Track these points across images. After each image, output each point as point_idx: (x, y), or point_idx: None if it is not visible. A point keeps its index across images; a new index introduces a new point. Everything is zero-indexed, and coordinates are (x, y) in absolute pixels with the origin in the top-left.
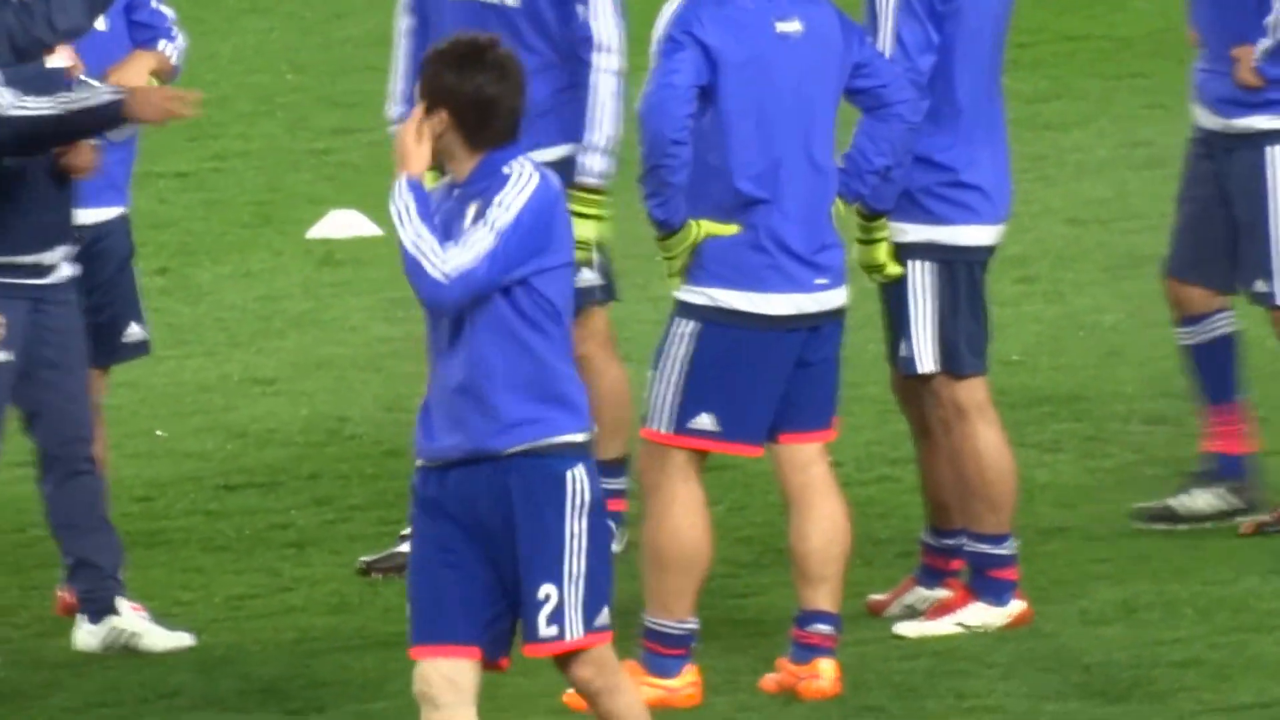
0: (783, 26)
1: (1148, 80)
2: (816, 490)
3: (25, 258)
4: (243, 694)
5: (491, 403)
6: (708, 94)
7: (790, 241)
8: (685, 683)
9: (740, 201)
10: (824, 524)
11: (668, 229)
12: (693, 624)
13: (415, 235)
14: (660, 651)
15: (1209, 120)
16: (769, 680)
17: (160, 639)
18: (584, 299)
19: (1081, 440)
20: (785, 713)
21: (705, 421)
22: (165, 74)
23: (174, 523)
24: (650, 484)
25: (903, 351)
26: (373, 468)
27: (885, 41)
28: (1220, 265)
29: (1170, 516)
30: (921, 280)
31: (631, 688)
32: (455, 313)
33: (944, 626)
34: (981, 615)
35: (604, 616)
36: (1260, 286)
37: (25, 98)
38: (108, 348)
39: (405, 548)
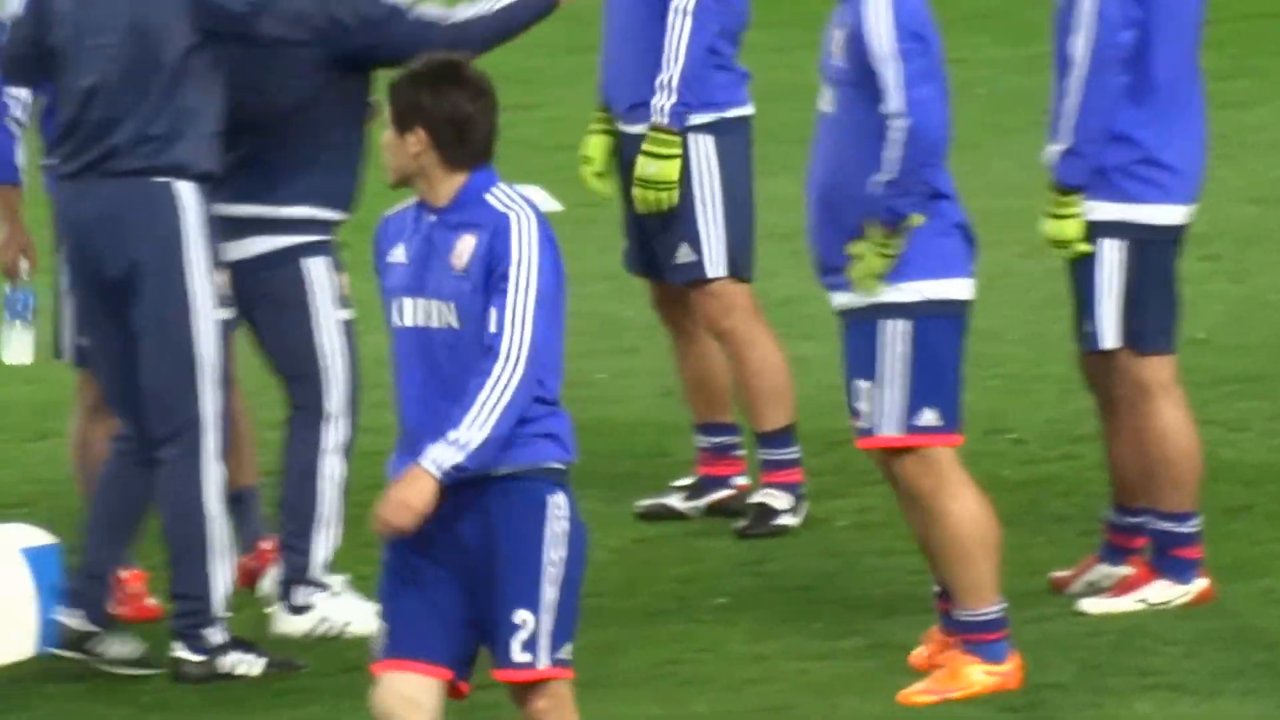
0: None
1: None
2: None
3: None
4: None
5: None
6: None
7: (965, 225)
8: (1013, 665)
9: (929, 193)
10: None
11: (903, 226)
12: (1001, 604)
13: (489, 414)
14: (990, 639)
15: None
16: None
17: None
18: (685, 275)
19: (1266, 419)
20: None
21: (929, 418)
22: None
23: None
24: (927, 488)
25: (1086, 327)
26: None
27: (1085, 18)
28: None
29: None
30: (1109, 258)
31: None
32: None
33: (1127, 604)
34: (1164, 593)
35: (568, 651)
36: None
37: (451, 11)
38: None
39: (673, 499)
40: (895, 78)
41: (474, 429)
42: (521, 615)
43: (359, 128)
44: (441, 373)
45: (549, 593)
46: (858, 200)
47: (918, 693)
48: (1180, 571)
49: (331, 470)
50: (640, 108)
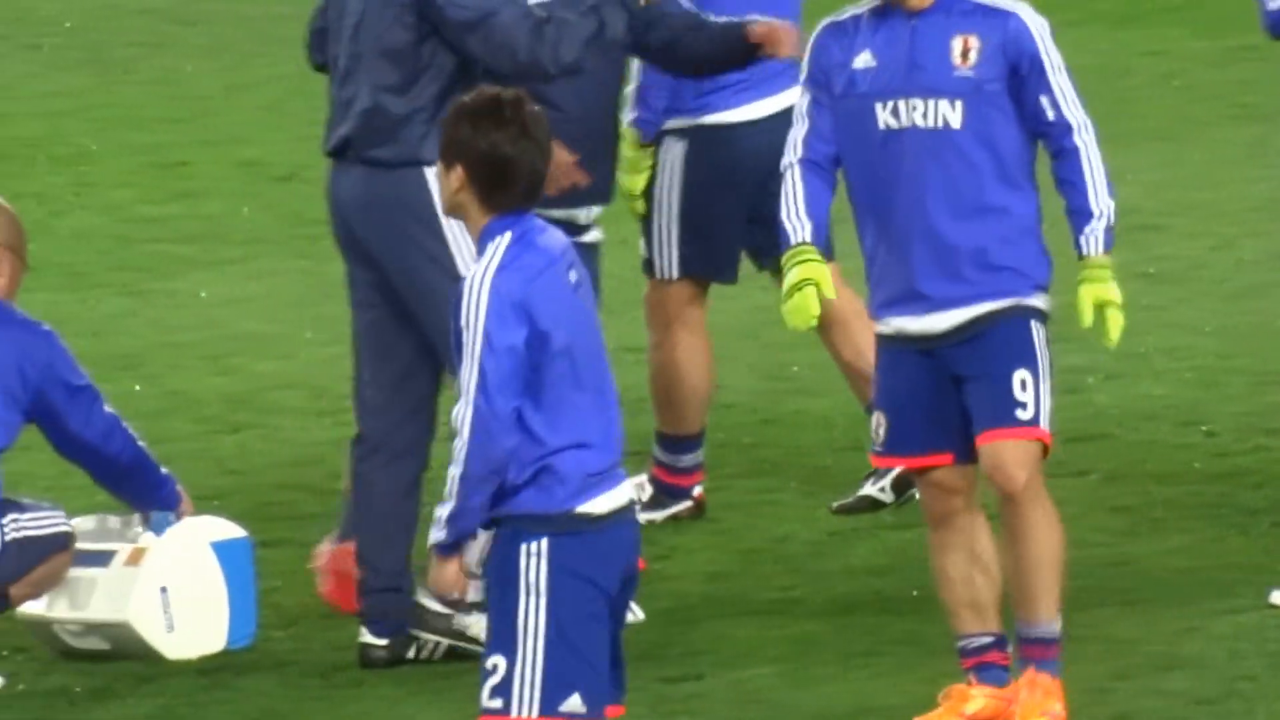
0: None
1: None
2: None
3: (555, 211)
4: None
5: None
6: None
7: None
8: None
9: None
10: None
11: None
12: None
13: (450, 485)
14: (1055, 657)
15: None
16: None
17: None
18: (645, 269)
19: None
20: (1163, 679)
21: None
22: None
23: None
24: (1036, 492)
25: None
26: (749, 436)
27: None
28: None
29: None
30: None
31: None
32: (506, 426)
33: None
34: None
35: (574, 704)
36: None
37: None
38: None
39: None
40: (1071, 90)
41: (443, 505)
42: (493, 660)
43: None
44: None
45: (528, 642)
46: (997, 217)
47: None
48: None
49: None
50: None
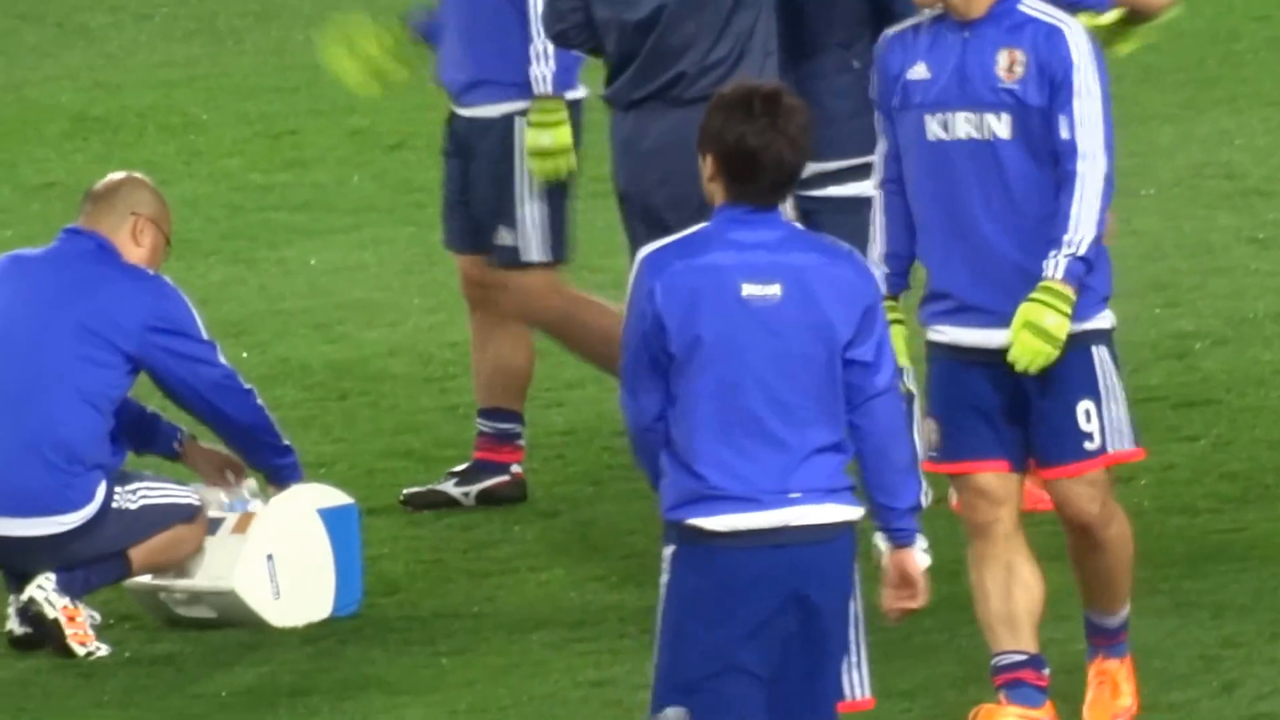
0: None
1: None
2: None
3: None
4: None
5: None
6: None
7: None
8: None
9: None
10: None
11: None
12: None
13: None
14: (1123, 640)
15: None
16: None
17: None
18: (505, 258)
19: None
20: (1274, 648)
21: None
22: None
23: None
24: (1108, 516)
25: None
26: None
27: None
28: None
29: None
30: None
31: None
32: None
33: None
34: None
35: (675, 716)
36: None
37: None
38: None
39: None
40: (1096, 118)
41: None
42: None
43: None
44: None
45: (655, 645)
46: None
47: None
48: None
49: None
50: (474, 88)
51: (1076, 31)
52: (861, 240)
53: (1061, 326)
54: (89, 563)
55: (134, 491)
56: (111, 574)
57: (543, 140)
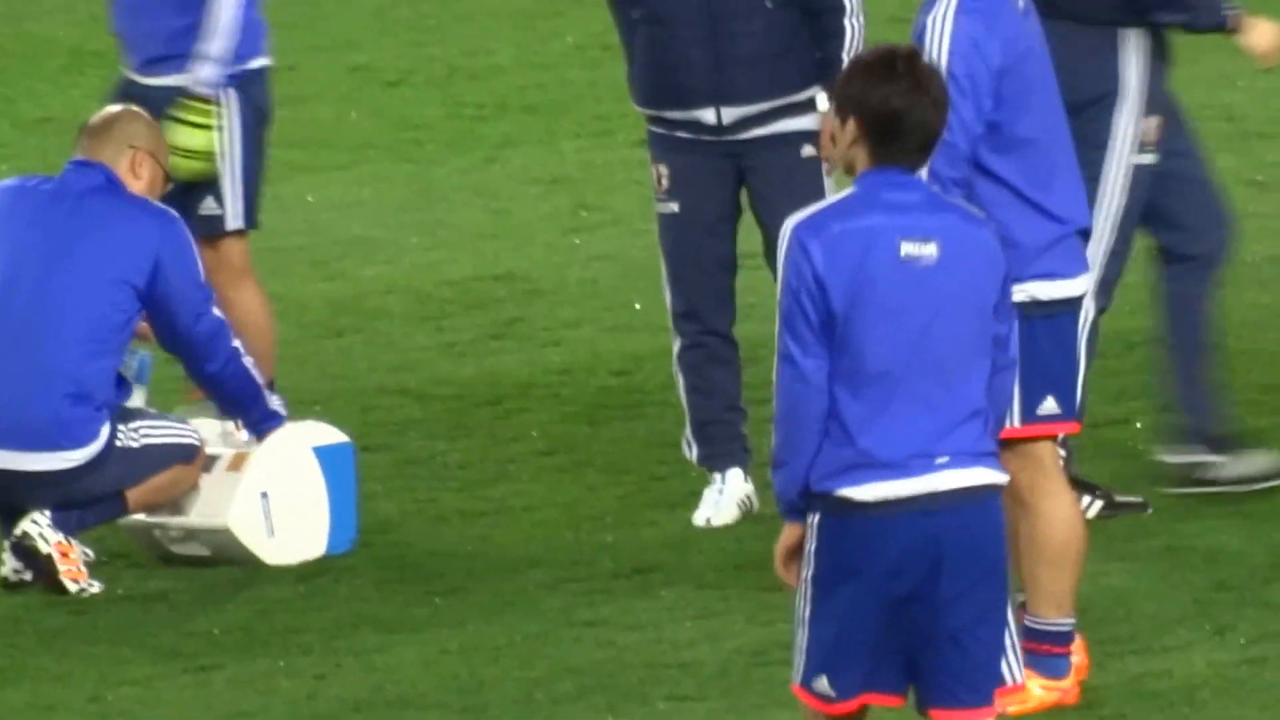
0: None
1: None
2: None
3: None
4: (718, 570)
5: None
6: None
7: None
8: (1072, 682)
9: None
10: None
11: None
12: (1073, 619)
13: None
14: (1056, 652)
15: None
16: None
17: None
18: (209, 228)
19: None
20: (1266, 591)
21: (1050, 405)
22: None
23: (651, 396)
24: (1025, 483)
25: None
26: None
27: None
28: None
29: None
30: None
31: None
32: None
33: None
34: None
35: (822, 684)
36: None
37: None
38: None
39: None
40: None
41: None
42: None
43: None
44: None
45: (801, 608)
46: None
47: None
48: None
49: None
50: (158, 63)
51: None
52: (793, 174)
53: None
54: (88, 502)
55: (136, 430)
56: (107, 512)
57: (192, 141)
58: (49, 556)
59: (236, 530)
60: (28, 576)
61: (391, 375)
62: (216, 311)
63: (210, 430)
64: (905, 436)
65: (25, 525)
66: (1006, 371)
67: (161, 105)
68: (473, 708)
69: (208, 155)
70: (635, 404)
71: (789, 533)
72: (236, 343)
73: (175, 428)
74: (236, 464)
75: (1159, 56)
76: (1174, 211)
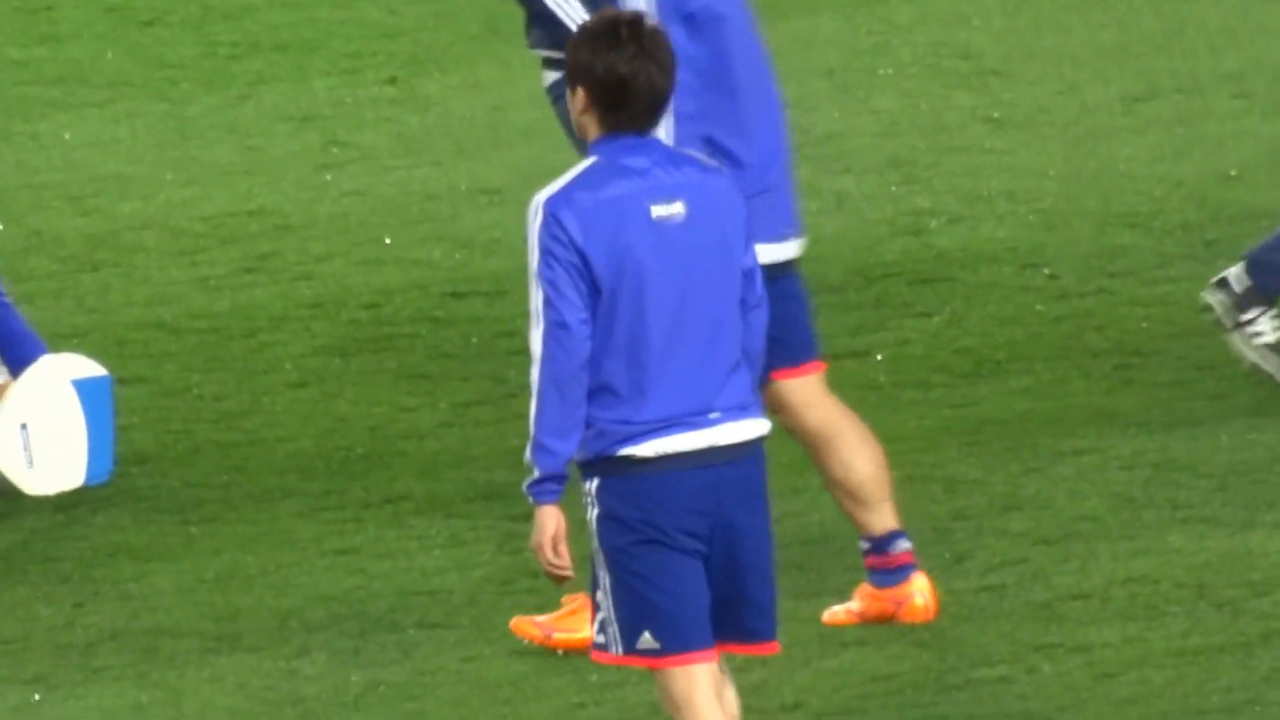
0: None
1: None
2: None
3: None
4: (467, 499)
5: None
6: None
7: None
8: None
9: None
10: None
11: None
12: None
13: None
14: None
15: None
16: (841, 614)
17: None
18: None
19: None
20: (1004, 520)
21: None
22: None
23: (400, 329)
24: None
25: None
26: None
27: None
28: None
29: None
30: None
31: None
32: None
33: None
34: None
35: (647, 641)
36: None
37: None
38: None
39: None
40: None
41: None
42: (594, 598)
43: None
44: None
45: (601, 578)
46: None
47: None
48: None
49: None
50: None
51: None
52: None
53: None
54: None
55: None
56: None
57: None
58: None
59: None
60: None
61: (147, 309)
62: None
63: None
64: (679, 394)
65: None
66: (759, 309)
67: None
68: (228, 635)
69: None
70: (385, 336)
71: (549, 517)
72: (8, 300)
73: None
74: None
75: None
76: None
